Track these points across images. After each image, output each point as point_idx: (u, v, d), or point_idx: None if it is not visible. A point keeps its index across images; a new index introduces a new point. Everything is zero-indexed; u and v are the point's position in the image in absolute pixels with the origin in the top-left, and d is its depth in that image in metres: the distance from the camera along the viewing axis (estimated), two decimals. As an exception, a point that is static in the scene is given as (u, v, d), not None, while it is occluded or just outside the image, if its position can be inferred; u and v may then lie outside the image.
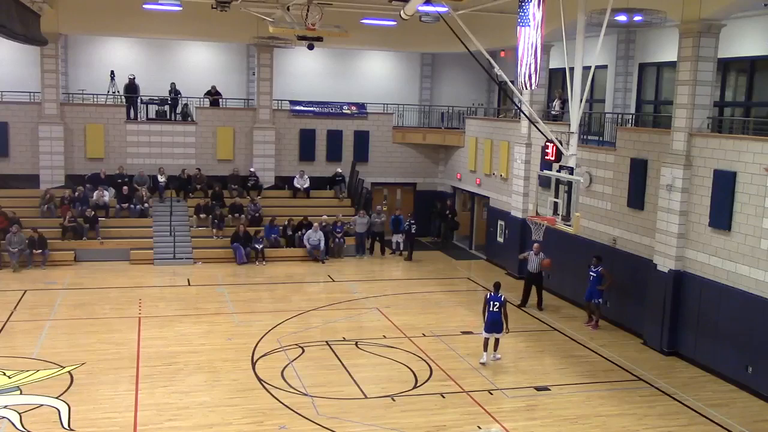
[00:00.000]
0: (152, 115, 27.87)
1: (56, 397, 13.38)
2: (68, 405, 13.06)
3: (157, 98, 27.79)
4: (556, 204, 15.49)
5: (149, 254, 24.42)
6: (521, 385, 14.92)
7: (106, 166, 26.66)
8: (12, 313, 18.52)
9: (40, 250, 23.12)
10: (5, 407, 12.85)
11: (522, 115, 22.31)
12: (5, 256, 22.96)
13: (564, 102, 23.35)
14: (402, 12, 17.44)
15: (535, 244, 19.97)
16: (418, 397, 14.08)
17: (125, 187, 25.86)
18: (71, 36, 27.85)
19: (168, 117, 27.90)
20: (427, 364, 15.80)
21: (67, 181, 26.43)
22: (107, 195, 25.79)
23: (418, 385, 14.67)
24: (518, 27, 14.43)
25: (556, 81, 24.08)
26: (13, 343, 16.42)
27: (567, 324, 19.11)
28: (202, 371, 15.05)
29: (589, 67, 15.25)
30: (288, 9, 19.40)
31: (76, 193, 25.45)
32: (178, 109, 28.09)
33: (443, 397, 14.07)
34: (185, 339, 17.02)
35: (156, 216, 25.88)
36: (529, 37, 14.28)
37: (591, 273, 18.79)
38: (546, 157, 17.20)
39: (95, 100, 27.50)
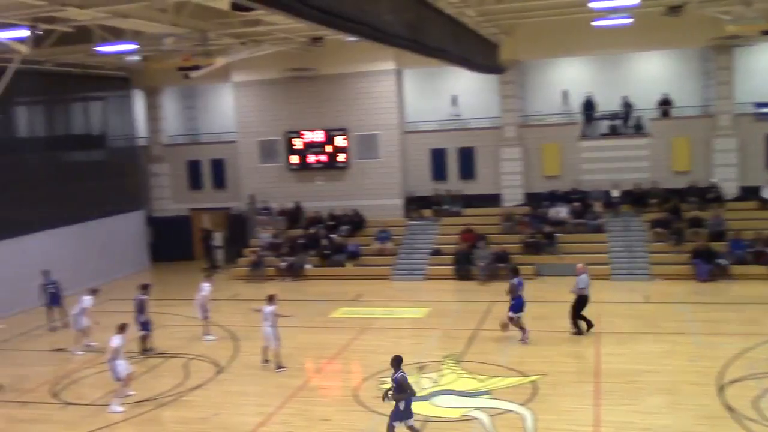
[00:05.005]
0: (604, 130, 28.01)
1: (521, 404, 14.11)
2: (532, 413, 13.67)
3: (609, 113, 27.86)
4: None
5: (606, 269, 24.41)
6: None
7: (562, 184, 27.54)
8: (481, 322, 20.13)
9: (504, 264, 24.80)
10: (477, 409, 14.00)
11: None
12: (474, 269, 25.15)
13: None
14: None
15: None
16: None
17: (579, 203, 26.33)
18: (525, 61, 29.53)
19: (620, 131, 27.74)
20: None
21: (526, 198, 27.96)
22: (563, 211, 26.60)
23: None
24: None
25: None
26: (483, 350, 17.83)
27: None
28: (663, 392, 14.47)
29: None
30: (749, 4, 17.80)
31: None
32: (631, 123, 27.75)
33: None
34: (645, 357, 16.55)
35: (611, 231, 25.84)
36: None
37: None
38: None
39: (549, 120, 28.67)
